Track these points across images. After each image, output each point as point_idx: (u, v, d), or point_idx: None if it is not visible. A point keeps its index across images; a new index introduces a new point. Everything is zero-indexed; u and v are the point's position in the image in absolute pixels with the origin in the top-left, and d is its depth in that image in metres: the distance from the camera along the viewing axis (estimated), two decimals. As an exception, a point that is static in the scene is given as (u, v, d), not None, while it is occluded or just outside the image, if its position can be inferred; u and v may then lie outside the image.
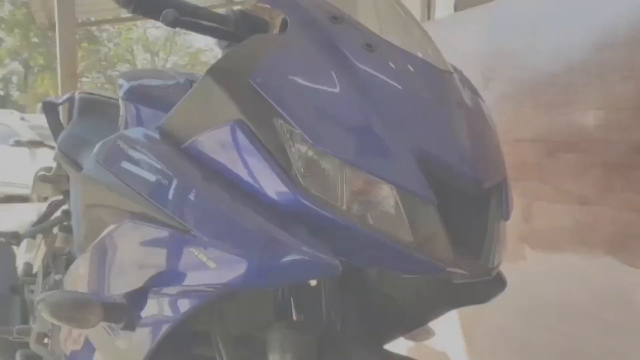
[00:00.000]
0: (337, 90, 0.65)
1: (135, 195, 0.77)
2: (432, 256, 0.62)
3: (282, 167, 0.63)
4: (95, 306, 0.74)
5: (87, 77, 19.26)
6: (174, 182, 0.71)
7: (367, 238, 0.62)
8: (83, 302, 0.76)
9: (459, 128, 0.69)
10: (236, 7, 0.85)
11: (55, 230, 1.77)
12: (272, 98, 0.64)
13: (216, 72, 0.71)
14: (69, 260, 1.53)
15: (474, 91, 0.81)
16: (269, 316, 0.82)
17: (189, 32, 0.87)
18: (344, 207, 0.62)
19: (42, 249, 1.77)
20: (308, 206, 0.62)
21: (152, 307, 0.76)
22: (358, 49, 0.68)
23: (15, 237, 1.68)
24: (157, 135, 0.81)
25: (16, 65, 28.69)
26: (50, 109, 1.84)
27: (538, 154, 1.60)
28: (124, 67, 19.32)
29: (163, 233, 0.72)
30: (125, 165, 0.82)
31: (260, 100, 0.65)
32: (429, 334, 1.09)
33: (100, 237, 0.87)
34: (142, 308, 0.77)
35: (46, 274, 1.62)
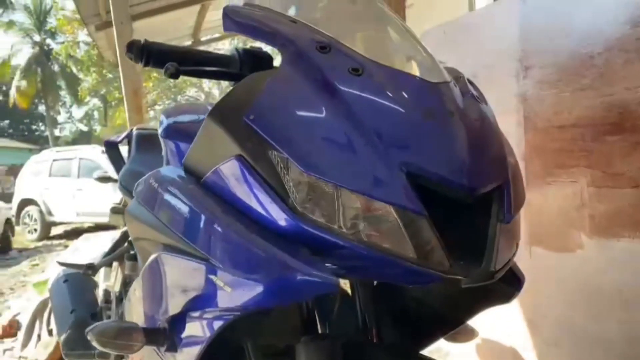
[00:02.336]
0: (323, 117, 0.68)
1: (166, 229, 0.85)
2: (428, 266, 0.64)
3: (280, 195, 0.68)
4: (136, 333, 0.83)
5: (159, 104, 20.25)
6: (193, 216, 0.78)
7: (365, 255, 0.65)
8: (125, 330, 0.84)
9: (449, 138, 0.69)
10: (241, 47, 0.91)
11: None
12: (265, 132, 0.69)
13: (216, 113, 0.77)
14: (137, 287, 1.65)
15: (474, 96, 0.80)
16: (297, 329, 0.87)
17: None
18: (342, 228, 0.65)
19: (119, 277, 1.91)
20: (308, 230, 0.66)
21: (189, 330, 0.83)
22: (344, 74, 0.71)
23: (90, 268, 1.84)
24: (182, 172, 0.89)
25: (96, 102, 30.65)
26: (111, 147, 2.00)
27: (583, 139, 1.56)
28: (192, 92, 20.19)
29: (189, 263, 0.79)
30: (157, 202, 0.90)
31: (255, 136, 0.70)
32: (473, 334, 1.09)
33: (144, 267, 0.96)
34: (180, 331, 0.84)
35: (119, 300, 1.76)
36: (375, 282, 0.99)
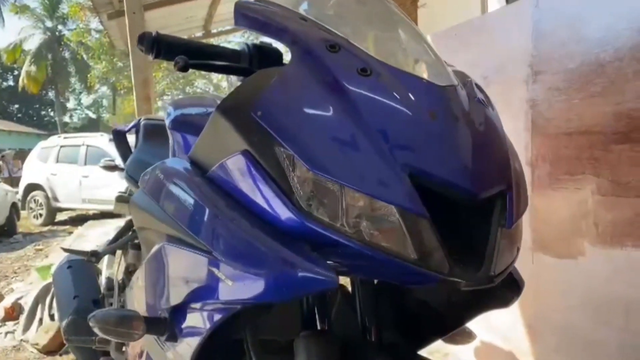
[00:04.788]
0: (330, 116, 0.69)
1: (170, 220, 0.86)
2: (428, 268, 0.65)
3: (284, 192, 0.68)
4: (137, 321, 0.84)
5: (167, 94, 20.32)
6: (198, 209, 0.78)
7: (366, 254, 0.65)
8: (126, 318, 0.85)
9: (453, 142, 0.69)
10: (251, 42, 0.92)
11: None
12: (272, 128, 0.70)
13: (224, 107, 0.78)
14: (140, 276, 1.66)
15: (481, 101, 0.80)
16: (297, 324, 0.88)
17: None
18: (345, 226, 0.66)
19: (122, 265, 1.93)
20: (310, 227, 0.67)
21: (189, 321, 0.84)
22: (353, 74, 0.72)
23: (94, 255, 1.85)
24: (189, 164, 0.89)
25: (105, 90, 30.78)
26: (119, 136, 2.01)
27: (590, 147, 1.55)
28: (201, 84, 20.24)
29: (192, 254, 0.79)
30: (162, 193, 0.90)
31: (262, 131, 0.71)
32: (470, 337, 1.10)
33: (147, 256, 0.97)
34: (181, 321, 0.85)
35: (121, 289, 1.77)
36: (375, 281, 1.00)
